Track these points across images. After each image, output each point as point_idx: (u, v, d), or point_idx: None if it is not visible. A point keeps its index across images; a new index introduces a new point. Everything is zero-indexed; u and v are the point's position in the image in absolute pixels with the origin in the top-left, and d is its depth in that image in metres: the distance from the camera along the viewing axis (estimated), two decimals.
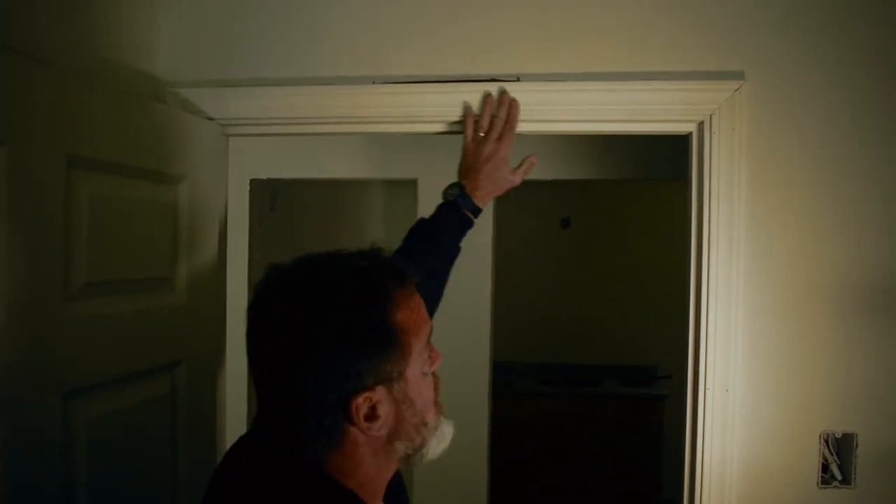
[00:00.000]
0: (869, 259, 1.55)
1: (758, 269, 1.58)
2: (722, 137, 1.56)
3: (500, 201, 3.37)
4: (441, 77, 1.65)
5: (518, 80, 1.62)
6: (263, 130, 1.76)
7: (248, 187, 3.16)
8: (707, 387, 1.58)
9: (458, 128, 1.71)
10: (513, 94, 1.61)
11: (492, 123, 1.59)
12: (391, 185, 4.12)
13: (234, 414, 2.89)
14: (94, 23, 1.53)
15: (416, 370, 0.94)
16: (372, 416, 0.91)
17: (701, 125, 1.59)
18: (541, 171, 3.19)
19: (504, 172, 1.58)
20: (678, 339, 1.67)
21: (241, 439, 1.04)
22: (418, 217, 3.40)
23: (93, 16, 1.53)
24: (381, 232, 4.25)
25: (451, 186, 1.58)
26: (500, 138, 1.58)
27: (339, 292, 0.90)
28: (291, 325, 0.90)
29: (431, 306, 1.47)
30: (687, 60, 1.59)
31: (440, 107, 1.66)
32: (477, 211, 1.57)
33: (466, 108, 1.62)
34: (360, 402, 0.89)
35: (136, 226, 1.49)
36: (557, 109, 1.63)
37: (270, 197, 3.54)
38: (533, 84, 1.61)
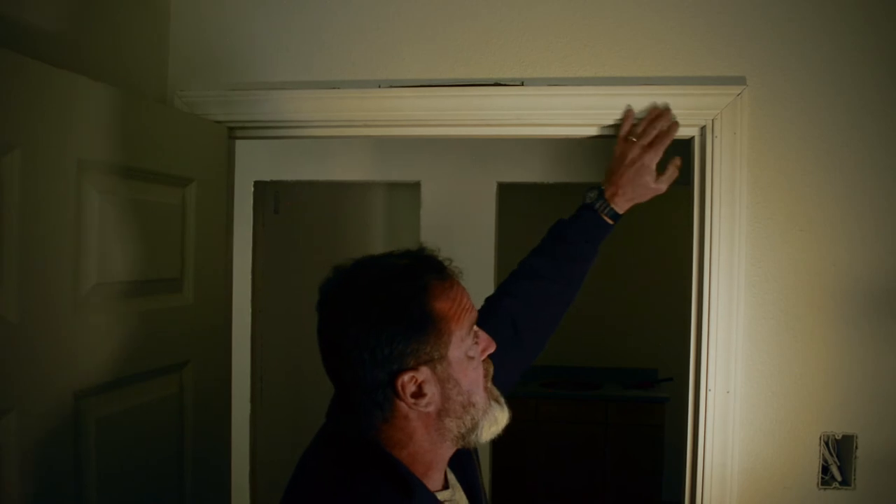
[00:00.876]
0: (870, 262, 1.57)
1: (759, 273, 1.59)
2: (724, 142, 1.58)
3: (503, 202, 3.39)
4: (444, 81, 1.67)
5: (522, 84, 1.64)
6: (270, 134, 1.77)
7: (252, 189, 3.18)
8: (708, 388, 1.59)
9: (459, 131, 1.72)
10: (516, 98, 1.63)
11: (645, 130, 1.57)
12: (394, 187, 4.13)
13: (239, 411, 2.92)
14: (104, 27, 1.55)
15: (458, 353, 1.04)
16: (419, 393, 1.02)
17: (703, 129, 1.61)
18: (543, 173, 3.24)
19: (647, 179, 1.53)
20: (679, 342, 1.69)
21: (327, 413, 1.17)
22: (421, 218, 3.42)
23: (103, 20, 1.55)
24: (384, 234, 4.26)
25: (591, 189, 1.56)
26: (650, 145, 1.55)
27: (383, 286, 1.03)
28: (345, 316, 1.03)
29: (560, 305, 1.50)
30: (689, 65, 1.60)
31: (442, 110, 1.68)
32: (616, 216, 1.54)
33: (628, 110, 1.60)
34: (406, 381, 1.01)
35: (145, 228, 1.51)
36: (561, 114, 1.64)
37: (274, 199, 3.56)
38: (536, 88, 1.63)
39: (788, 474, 1.59)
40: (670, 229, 2.49)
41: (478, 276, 3.30)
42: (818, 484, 1.58)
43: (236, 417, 2.02)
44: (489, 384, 1.10)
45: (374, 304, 1.01)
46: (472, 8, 1.67)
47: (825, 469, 1.57)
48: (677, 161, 1.56)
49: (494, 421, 1.09)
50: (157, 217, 1.55)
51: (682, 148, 1.69)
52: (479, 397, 1.07)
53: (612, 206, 1.53)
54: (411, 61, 1.69)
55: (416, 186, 3.34)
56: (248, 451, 3.09)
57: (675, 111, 1.59)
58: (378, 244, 4.08)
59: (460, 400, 1.04)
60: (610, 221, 1.53)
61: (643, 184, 1.54)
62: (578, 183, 3.41)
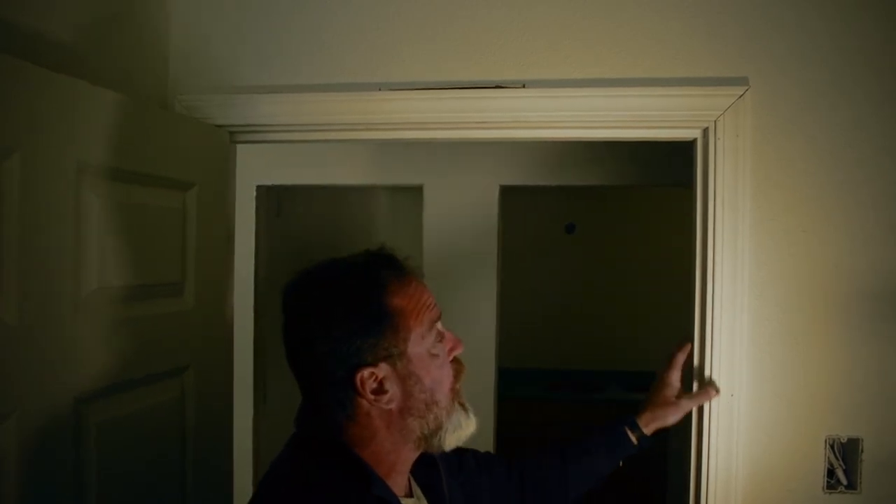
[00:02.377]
0: (874, 265, 1.56)
1: (762, 275, 1.58)
2: (727, 143, 1.57)
3: (506, 205, 3.39)
4: (445, 84, 1.66)
5: (524, 86, 1.63)
6: (271, 137, 1.77)
7: (254, 193, 3.18)
8: None
9: (461, 134, 1.72)
10: (518, 100, 1.63)
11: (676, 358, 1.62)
12: (396, 190, 4.13)
13: (241, 416, 2.92)
14: (104, 31, 1.55)
15: (419, 349, 1.05)
16: (380, 390, 1.03)
17: (706, 131, 1.60)
18: (546, 176, 3.24)
19: (667, 394, 1.57)
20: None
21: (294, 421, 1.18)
22: (423, 221, 3.42)
23: (103, 24, 1.55)
24: (387, 237, 4.26)
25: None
26: (675, 369, 1.60)
27: (340, 282, 1.05)
28: (305, 314, 1.06)
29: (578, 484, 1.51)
30: (691, 66, 1.60)
31: (443, 113, 1.67)
32: (638, 432, 1.54)
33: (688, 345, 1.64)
34: (366, 377, 1.02)
35: (146, 232, 1.51)
36: (562, 116, 1.64)
37: (276, 203, 3.56)
38: (538, 90, 1.62)
39: (793, 478, 1.58)
40: (674, 231, 2.48)
41: (481, 279, 3.31)
42: (823, 487, 1.57)
43: (239, 421, 2.01)
44: (458, 386, 1.10)
45: (333, 300, 1.03)
46: (472, 9, 1.66)
47: (830, 472, 1.56)
48: (712, 392, 1.57)
49: (459, 426, 1.09)
50: (157, 221, 1.55)
51: (685, 150, 1.68)
52: (443, 396, 1.07)
53: (637, 419, 1.54)
54: (412, 63, 1.68)
55: (418, 190, 3.34)
56: (251, 455, 3.09)
57: (677, 113, 1.59)
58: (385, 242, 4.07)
59: (423, 398, 1.05)
60: (630, 435, 1.53)
61: (664, 399, 1.57)
62: (583, 186, 3.43)
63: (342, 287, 1.05)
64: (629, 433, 1.53)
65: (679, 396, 1.58)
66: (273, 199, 3.40)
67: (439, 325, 1.09)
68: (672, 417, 1.56)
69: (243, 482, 2.99)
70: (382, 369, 1.03)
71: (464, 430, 1.09)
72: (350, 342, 1.01)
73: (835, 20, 1.55)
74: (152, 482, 1.54)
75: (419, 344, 1.05)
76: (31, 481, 1.21)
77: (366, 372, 1.02)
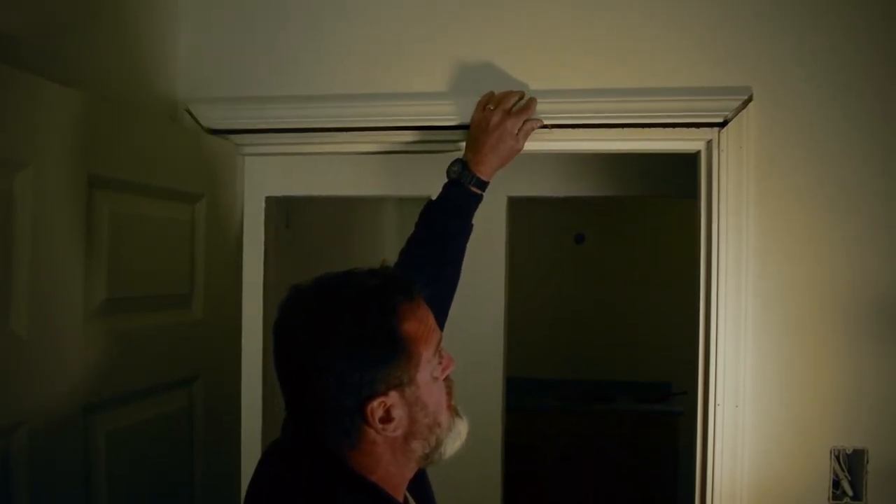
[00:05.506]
0: (879, 275, 1.56)
1: (767, 286, 1.58)
2: (730, 155, 1.58)
3: (515, 217, 3.40)
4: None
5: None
6: (279, 149, 1.79)
7: (264, 205, 3.20)
8: (717, 402, 1.58)
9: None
10: None
11: (504, 97, 1.58)
12: (405, 201, 4.15)
13: (249, 427, 2.93)
14: (114, 44, 1.58)
15: (426, 375, 1.02)
16: (386, 418, 0.99)
17: (709, 143, 1.61)
18: (554, 187, 3.25)
19: (510, 144, 1.55)
20: (692, 355, 1.68)
21: (276, 442, 1.14)
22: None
23: (112, 37, 1.57)
24: (395, 248, 4.28)
25: (453, 163, 1.57)
26: (510, 112, 1.55)
27: (352, 308, 0.99)
28: (311, 340, 0.99)
29: (450, 289, 1.51)
30: (694, 77, 1.60)
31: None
32: (483, 185, 1.55)
33: (489, 92, 1.62)
34: (375, 406, 0.98)
35: (155, 243, 1.53)
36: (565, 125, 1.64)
37: (285, 214, 3.58)
38: (539, 101, 1.62)
39: (799, 488, 1.57)
40: (683, 241, 2.49)
41: (490, 291, 3.32)
42: (829, 498, 1.56)
43: (248, 431, 2.03)
44: (453, 402, 1.08)
45: (343, 327, 0.97)
46: (480, 23, 1.68)
47: (836, 483, 1.56)
48: (534, 123, 1.58)
49: (458, 435, 1.07)
50: (166, 233, 1.57)
51: (689, 162, 1.69)
52: (444, 417, 1.05)
53: (479, 175, 1.54)
54: (420, 74, 1.70)
55: (426, 200, 3.35)
56: None
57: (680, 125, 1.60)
58: (390, 258, 4.08)
59: (426, 422, 1.03)
60: (478, 192, 1.55)
61: (506, 148, 1.55)
62: (592, 197, 3.43)
63: (354, 313, 0.98)
64: (471, 189, 1.54)
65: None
66: (282, 210, 3.42)
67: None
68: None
69: None
70: (392, 397, 0.99)
71: (462, 436, 1.07)
72: (363, 373, 0.97)
73: (840, 34, 1.55)
74: (161, 492, 1.55)
75: (426, 369, 1.02)
76: (40, 490, 1.23)
77: (376, 402, 0.98)
